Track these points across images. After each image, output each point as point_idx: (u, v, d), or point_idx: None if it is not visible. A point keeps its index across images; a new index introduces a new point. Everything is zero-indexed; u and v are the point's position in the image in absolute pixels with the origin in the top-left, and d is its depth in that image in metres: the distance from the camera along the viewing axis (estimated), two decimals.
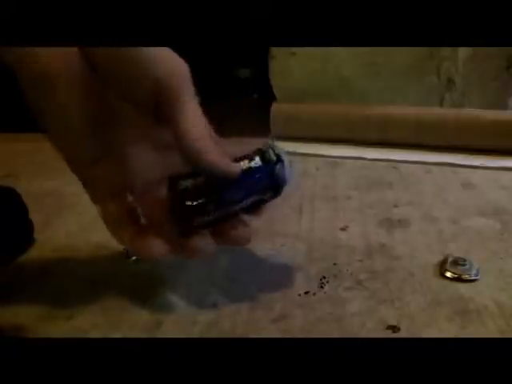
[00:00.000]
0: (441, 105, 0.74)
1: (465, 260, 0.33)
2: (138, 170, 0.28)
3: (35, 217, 0.34)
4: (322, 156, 0.61)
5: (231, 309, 0.29)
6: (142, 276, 0.33)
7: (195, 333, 0.27)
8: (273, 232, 0.39)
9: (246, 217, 0.29)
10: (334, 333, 0.27)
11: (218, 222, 0.28)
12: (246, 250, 0.36)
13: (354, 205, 0.45)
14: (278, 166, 0.28)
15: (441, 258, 0.35)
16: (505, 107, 0.71)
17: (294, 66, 0.70)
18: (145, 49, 0.24)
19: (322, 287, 0.31)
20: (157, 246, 0.27)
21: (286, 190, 0.29)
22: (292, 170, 0.29)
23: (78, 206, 0.45)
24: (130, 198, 0.29)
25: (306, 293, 0.31)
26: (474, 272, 0.32)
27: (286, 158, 0.28)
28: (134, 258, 0.35)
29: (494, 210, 0.43)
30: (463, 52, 0.71)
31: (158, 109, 0.25)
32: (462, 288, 0.31)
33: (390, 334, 0.27)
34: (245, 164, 0.27)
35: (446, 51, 0.71)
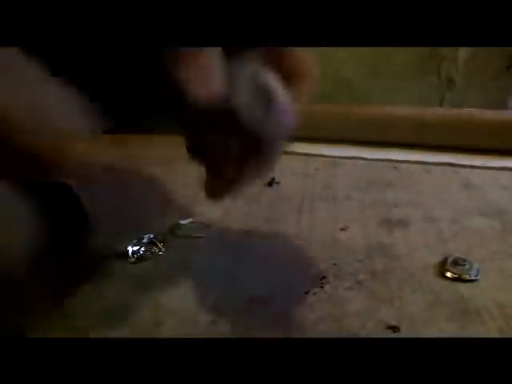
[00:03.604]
0: (441, 105, 0.74)
1: (465, 260, 0.33)
2: None
3: None
4: (322, 156, 0.61)
5: (231, 309, 0.29)
6: (142, 276, 0.33)
7: (195, 333, 0.27)
8: (273, 232, 0.39)
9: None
10: (334, 333, 0.27)
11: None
12: (246, 249, 0.36)
13: (354, 205, 0.45)
14: (242, 101, 0.22)
15: (441, 258, 0.35)
16: (505, 107, 0.71)
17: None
18: None
19: (322, 287, 0.31)
20: None
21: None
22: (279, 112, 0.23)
23: None
24: None
25: (306, 293, 0.31)
26: (474, 272, 0.32)
27: (275, 94, 0.22)
28: (133, 257, 0.35)
29: (494, 210, 0.43)
30: (463, 52, 0.71)
31: None
32: (462, 288, 0.31)
33: (390, 334, 0.27)
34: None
35: (445, 51, 0.71)
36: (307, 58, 0.28)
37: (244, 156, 0.25)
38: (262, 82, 0.22)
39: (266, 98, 0.22)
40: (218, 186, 0.28)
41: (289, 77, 0.27)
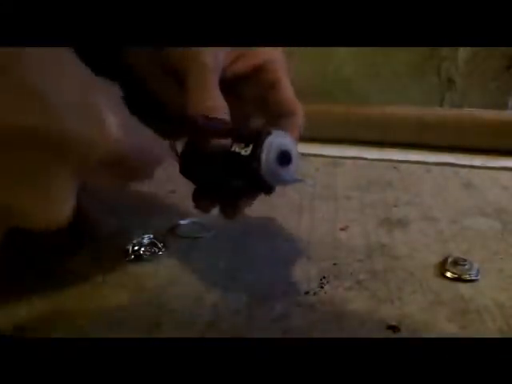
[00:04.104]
0: (441, 105, 0.74)
1: (465, 260, 0.33)
2: None
3: None
4: (322, 156, 0.61)
5: (231, 309, 0.29)
6: (142, 276, 0.33)
7: (195, 333, 0.27)
8: (273, 232, 0.39)
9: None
10: (334, 333, 0.27)
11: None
12: (246, 249, 0.36)
13: (354, 205, 0.45)
14: (268, 165, 0.25)
15: (441, 258, 0.35)
16: (505, 107, 0.71)
17: (293, 66, 0.70)
18: None
19: (322, 287, 0.31)
20: None
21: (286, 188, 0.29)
22: (291, 171, 0.27)
23: None
24: None
25: (306, 293, 0.31)
26: (474, 272, 0.32)
27: (293, 157, 0.26)
28: (133, 257, 0.35)
29: (494, 210, 0.43)
30: (463, 52, 0.71)
31: None
32: (462, 288, 0.31)
33: (390, 334, 0.27)
34: (235, 147, 0.26)
35: (445, 51, 0.71)
36: (294, 98, 0.33)
37: (245, 194, 0.30)
38: (285, 146, 0.26)
39: (285, 159, 0.26)
40: (207, 202, 0.31)
41: (283, 115, 0.32)
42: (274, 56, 0.33)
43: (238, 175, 0.27)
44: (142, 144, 0.22)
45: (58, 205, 0.20)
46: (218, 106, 0.28)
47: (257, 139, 0.26)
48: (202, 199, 0.31)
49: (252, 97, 0.33)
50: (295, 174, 0.27)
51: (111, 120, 0.20)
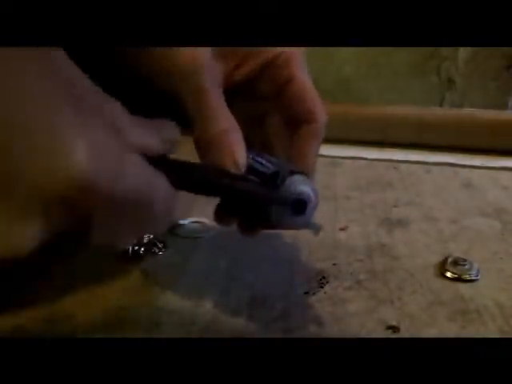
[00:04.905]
0: (441, 105, 0.74)
1: (465, 260, 0.34)
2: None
3: None
4: (322, 156, 0.60)
5: (231, 309, 0.29)
6: (141, 276, 0.33)
7: (195, 333, 0.27)
8: (273, 232, 0.39)
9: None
10: (334, 333, 0.27)
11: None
12: (246, 249, 0.36)
13: (354, 205, 0.45)
14: (277, 214, 0.24)
15: (441, 258, 0.35)
16: (505, 107, 0.72)
17: None
18: None
19: (321, 287, 0.31)
20: None
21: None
22: (307, 216, 0.26)
23: None
24: None
25: (306, 293, 0.31)
26: (474, 272, 0.32)
27: (309, 204, 0.25)
28: (133, 257, 0.35)
29: (494, 210, 0.43)
30: (463, 52, 0.71)
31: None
32: (462, 288, 0.31)
33: (390, 334, 0.27)
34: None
35: (446, 51, 0.71)
36: (314, 98, 0.30)
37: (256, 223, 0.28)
38: (301, 195, 0.25)
39: (300, 208, 0.25)
40: (229, 217, 0.29)
41: (301, 119, 0.30)
42: (287, 51, 0.30)
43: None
44: (137, 182, 0.18)
45: (10, 240, 0.18)
46: (225, 130, 0.26)
47: (272, 183, 0.24)
48: (224, 214, 0.28)
49: (266, 98, 0.30)
50: (311, 218, 0.26)
51: (80, 146, 0.16)
